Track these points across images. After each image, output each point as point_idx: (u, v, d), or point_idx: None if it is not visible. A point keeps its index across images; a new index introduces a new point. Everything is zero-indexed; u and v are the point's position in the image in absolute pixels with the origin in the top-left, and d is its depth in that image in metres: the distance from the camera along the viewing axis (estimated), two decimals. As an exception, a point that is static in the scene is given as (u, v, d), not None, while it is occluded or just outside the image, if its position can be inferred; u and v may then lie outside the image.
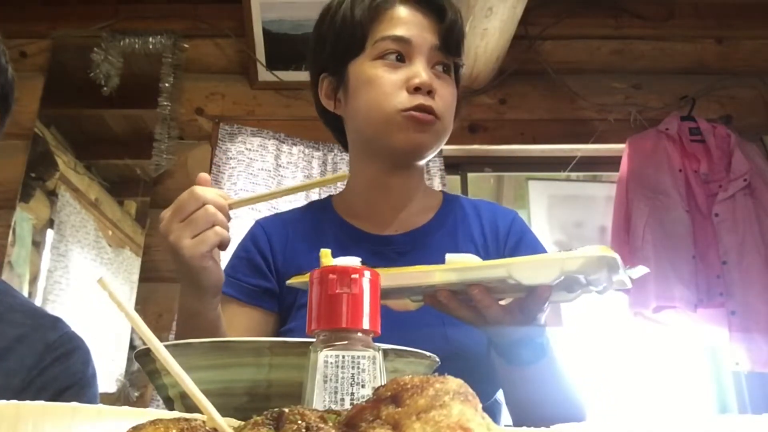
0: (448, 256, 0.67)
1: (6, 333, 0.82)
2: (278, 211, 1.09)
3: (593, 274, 0.60)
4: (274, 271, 0.94)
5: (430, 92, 0.87)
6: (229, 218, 0.75)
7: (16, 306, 0.87)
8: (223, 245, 0.74)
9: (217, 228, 0.72)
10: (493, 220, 0.98)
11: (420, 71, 0.87)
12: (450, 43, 0.91)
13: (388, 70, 0.88)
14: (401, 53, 0.89)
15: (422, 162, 0.96)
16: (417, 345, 0.54)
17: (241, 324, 0.89)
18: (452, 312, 0.69)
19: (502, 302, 0.68)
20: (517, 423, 0.82)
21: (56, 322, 0.89)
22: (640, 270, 0.65)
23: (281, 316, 0.93)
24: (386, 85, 0.87)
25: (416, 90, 0.87)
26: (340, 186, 1.07)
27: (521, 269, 0.61)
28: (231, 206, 0.75)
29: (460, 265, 0.65)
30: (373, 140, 0.91)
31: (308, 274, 0.72)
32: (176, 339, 0.75)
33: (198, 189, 0.73)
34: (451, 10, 0.91)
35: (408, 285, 0.66)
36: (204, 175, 0.77)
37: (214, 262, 0.74)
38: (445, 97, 0.90)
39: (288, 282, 0.77)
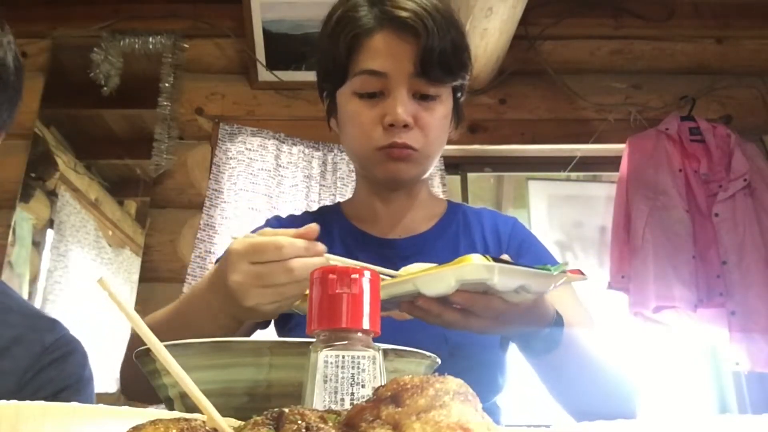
0: (403, 268, 0.68)
1: (2, 334, 0.81)
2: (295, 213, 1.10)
3: (492, 279, 0.60)
4: None
5: (407, 125, 0.86)
6: None
7: (13, 307, 0.86)
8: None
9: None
10: (494, 226, 1.01)
11: (395, 107, 0.86)
12: (429, 70, 0.86)
13: (366, 106, 0.89)
14: (379, 89, 0.87)
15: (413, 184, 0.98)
16: (417, 345, 0.54)
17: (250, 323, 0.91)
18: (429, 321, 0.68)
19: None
20: (565, 411, 0.84)
21: (54, 324, 0.88)
22: (566, 266, 0.66)
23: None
24: (364, 123, 0.88)
25: (391, 126, 0.86)
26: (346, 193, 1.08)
27: (423, 282, 0.63)
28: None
29: (386, 282, 0.65)
30: (361, 169, 0.98)
31: None
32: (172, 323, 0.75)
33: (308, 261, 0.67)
34: (430, 33, 0.84)
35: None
36: (313, 227, 0.70)
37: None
38: (426, 127, 0.88)
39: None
